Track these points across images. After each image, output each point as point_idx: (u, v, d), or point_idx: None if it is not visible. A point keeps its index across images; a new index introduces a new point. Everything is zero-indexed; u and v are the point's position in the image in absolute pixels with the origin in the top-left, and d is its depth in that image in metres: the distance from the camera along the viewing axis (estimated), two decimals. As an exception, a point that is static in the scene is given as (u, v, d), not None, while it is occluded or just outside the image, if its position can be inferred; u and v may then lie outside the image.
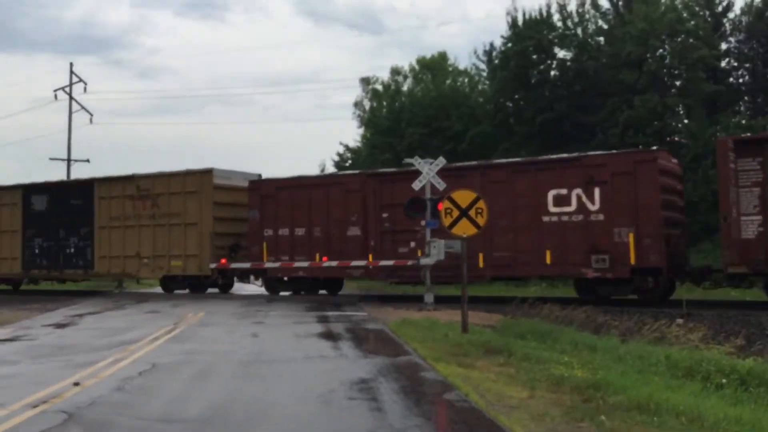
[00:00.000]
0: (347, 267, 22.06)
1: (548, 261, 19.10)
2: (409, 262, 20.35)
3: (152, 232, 25.25)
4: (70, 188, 28.26)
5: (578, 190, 18.95)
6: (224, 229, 24.37)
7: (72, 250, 27.03)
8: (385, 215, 21.53)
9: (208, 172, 24.60)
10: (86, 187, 27.16)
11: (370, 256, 21.54)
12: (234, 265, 24.02)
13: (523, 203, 19.52)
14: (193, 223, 24.45)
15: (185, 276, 25.09)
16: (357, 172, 23.90)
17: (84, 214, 26.70)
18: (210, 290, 25.86)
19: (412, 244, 20.89)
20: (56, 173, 54.04)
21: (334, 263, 22.10)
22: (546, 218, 19.27)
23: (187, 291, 25.65)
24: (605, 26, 35.39)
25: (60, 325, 16.51)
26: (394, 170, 23.05)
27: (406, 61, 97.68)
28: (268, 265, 23.12)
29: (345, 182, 22.82)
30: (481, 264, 19.62)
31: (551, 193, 19.24)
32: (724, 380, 9.51)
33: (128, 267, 25.87)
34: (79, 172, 47.99)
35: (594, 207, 18.75)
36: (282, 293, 24.16)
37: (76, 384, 8.83)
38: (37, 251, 27.84)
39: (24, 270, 28.30)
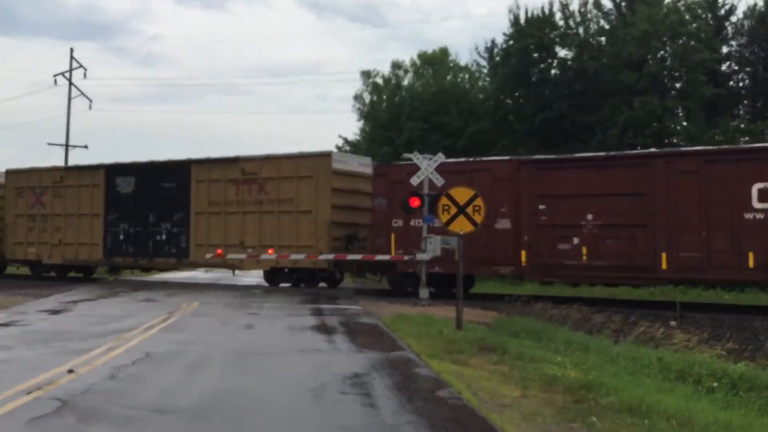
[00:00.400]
0: (494, 264, 19.72)
1: (751, 264, 16.62)
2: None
3: (258, 219, 22.94)
4: (163, 170, 25.40)
5: None
6: (341, 219, 22.16)
7: (163, 237, 24.77)
8: (542, 207, 19.15)
9: (326, 156, 22.51)
10: (182, 168, 24.72)
11: (523, 253, 19.18)
12: (351, 257, 21.33)
13: (718, 197, 17.13)
14: (306, 211, 22.15)
15: (295, 269, 22.72)
16: (507, 158, 21.64)
17: (178, 198, 24.38)
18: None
19: (575, 240, 18.63)
20: (54, 159, 53.92)
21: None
22: (748, 215, 16.87)
23: (289, 285, 23.27)
24: (607, 26, 35.43)
25: (54, 312, 16.51)
26: (555, 157, 20.95)
27: (408, 55, 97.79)
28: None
29: (492, 168, 20.14)
30: (664, 265, 17.46)
31: (756, 187, 16.81)
32: (715, 384, 9.57)
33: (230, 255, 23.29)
34: (78, 159, 47.85)
35: None
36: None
37: (70, 371, 8.84)
38: (122, 237, 25.61)
39: (106, 257, 26.14)
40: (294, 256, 21.92)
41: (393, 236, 20.66)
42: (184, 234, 24.36)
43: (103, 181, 26.21)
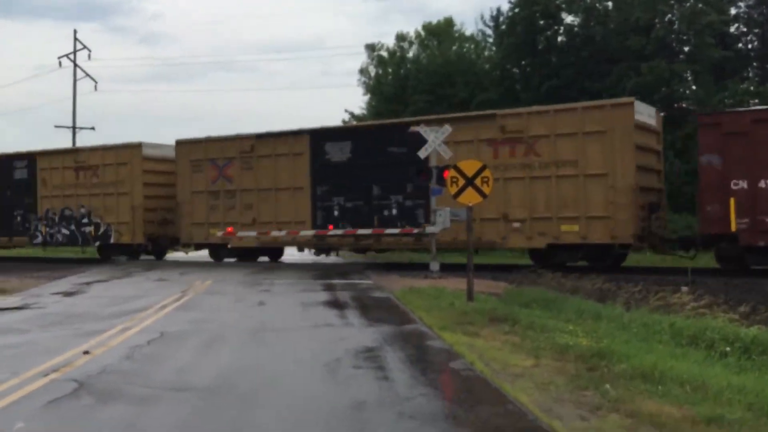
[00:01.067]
0: None
1: None
2: (415, 230, 20.23)
3: (527, 186, 19.35)
4: (388, 133, 21.75)
5: None
6: (644, 183, 18.82)
7: (393, 211, 21.23)
8: None
9: (625, 107, 18.71)
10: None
11: None
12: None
13: None
14: (597, 174, 18.54)
15: (582, 245, 18.98)
16: None
17: (412, 165, 20.31)
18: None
19: None
20: (61, 141, 53.99)
21: None
22: None
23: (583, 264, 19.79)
24: (613, -9, 34.96)
25: (68, 294, 16.65)
26: None
27: (412, 27, 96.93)
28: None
29: None
30: None
31: None
32: (728, 348, 9.56)
33: (487, 233, 19.71)
34: (85, 140, 47.96)
35: None
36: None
37: (86, 352, 8.93)
38: (336, 213, 22.17)
39: (317, 237, 22.68)
40: (583, 230, 18.65)
41: (732, 201, 16.88)
42: (422, 208, 20.63)
43: (308, 148, 22.61)
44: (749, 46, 33.85)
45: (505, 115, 20.01)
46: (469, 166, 13.91)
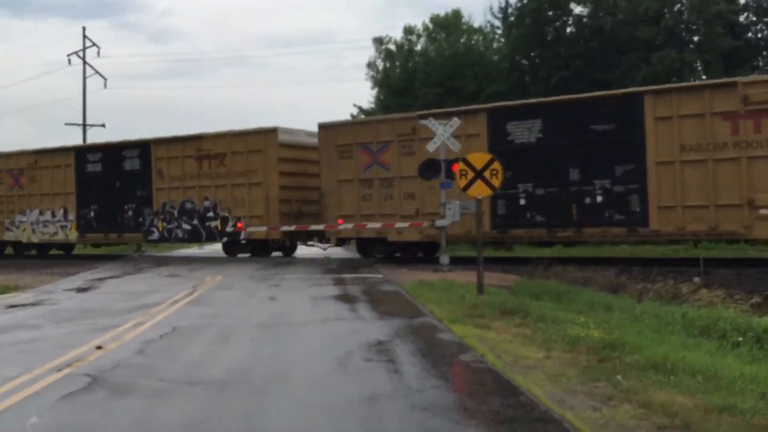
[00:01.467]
0: None
1: None
2: (424, 223, 20.19)
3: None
4: (592, 107, 18.90)
5: None
6: None
7: (599, 198, 18.43)
8: None
9: None
10: (628, 101, 18.37)
11: None
12: None
13: None
14: None
15: None
16: None
17: (621, 144, 18.07)
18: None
19: None
20: (72, 138, 54.24)
21: None
22: None
23: None
24: (622, -19, 34.78)
25: (81, 290, 16.75)
26: None
27: (419, 19, 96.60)
28: None
29: None
30: None
31: None
32: (740, 338, 9.52)
33: (723, 221, 16.97)
34: (96, 138, 48.09)
35: None
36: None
37: (99, 347, 8.99)
38: (522, 202, 19.36)
39: (498, 229, 19.80)
40: None
41: None
42: (636, 193, 18.02)
43: (485, 128, 19.94)
44: (759, 35, 33.61)
45: (749, 83, 17.25)
46: (478, 159, 13.91)
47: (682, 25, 31.80)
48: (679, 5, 31.56)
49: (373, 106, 45.61)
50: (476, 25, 44.70)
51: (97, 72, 48.25)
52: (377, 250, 22.29)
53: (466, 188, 13.87)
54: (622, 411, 6.06)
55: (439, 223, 18.88)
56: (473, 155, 14.21)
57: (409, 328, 10.22)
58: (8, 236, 29.00)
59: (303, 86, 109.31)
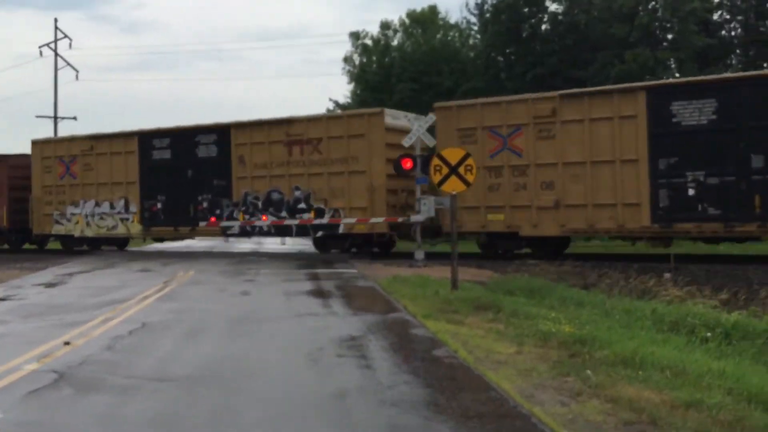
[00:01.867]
0: None
1: None
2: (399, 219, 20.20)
3: None
4: None
5: None
6: None
7: None
8: None
9: None
10: None
11: None
12: None
13: None
14: None
15: None
16: None
17: None
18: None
19: None
20: (43, 131, 53.35)
21: None
22: None
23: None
24: (597, -22, 35.03)
25: (50, 285, 16.52)
26: None
27: (396, 14, 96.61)
28: None
29: None
30: None
31: None
32: (708, 334, 9.64)
33: None
34: (67, 130, 47.52)
35: None
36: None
37: (67, 343, 8.86)
38: (691, 192, 16.93)
39: (660, 223, 17.41)
40: None
41: None
42: None
43: (644, 109, 17.43)
44: (732, 33, 34.05)
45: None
46: (453, 154, 13.91)
47: (657, 23, 32.10)
48: (653, 3, 31.87)
49: (349, 100, 45.51)
50: (452, 21, 44.81)
51: (68, 64, 47.67)
52: (502, 245, 19.95)
53: (440, 184, 13.87)
54: (590, 406, 6.10)
55: (414, 218, 18.89)
56: (447, 150, 14.19)
57: (383, 323, 10.21)
58: (57, 229, 26.38)
59: (278, 80, 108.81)
